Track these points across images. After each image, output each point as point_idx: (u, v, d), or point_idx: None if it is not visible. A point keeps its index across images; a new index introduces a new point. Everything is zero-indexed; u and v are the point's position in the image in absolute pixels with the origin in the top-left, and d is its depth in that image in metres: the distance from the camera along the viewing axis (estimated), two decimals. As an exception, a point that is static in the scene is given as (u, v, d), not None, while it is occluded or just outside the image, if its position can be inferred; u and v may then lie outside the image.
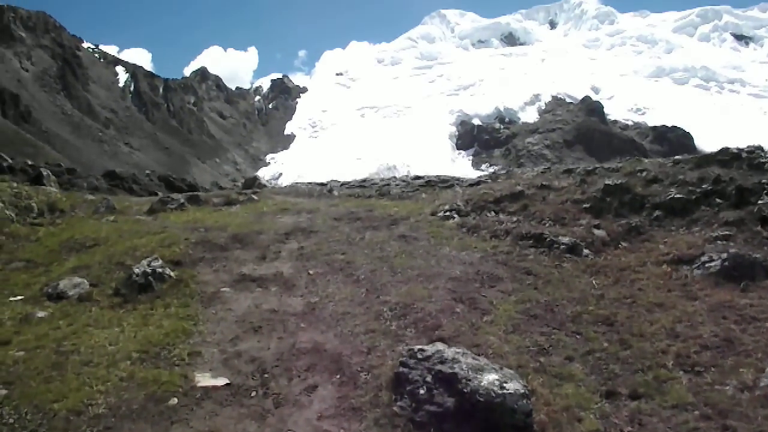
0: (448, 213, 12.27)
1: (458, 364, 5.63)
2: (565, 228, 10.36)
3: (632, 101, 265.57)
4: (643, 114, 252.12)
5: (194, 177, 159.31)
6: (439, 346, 5.94)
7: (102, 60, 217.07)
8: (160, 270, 9.23)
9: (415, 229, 12.01)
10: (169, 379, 6.13)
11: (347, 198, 17.55)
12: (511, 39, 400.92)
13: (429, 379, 5.61)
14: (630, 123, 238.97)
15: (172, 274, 9.39)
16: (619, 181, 11.05)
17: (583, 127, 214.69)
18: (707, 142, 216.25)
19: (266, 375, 6.39)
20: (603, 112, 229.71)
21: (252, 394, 6.04)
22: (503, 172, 16.14)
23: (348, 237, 11.60)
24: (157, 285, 8.95)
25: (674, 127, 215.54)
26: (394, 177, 20.07)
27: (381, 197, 16.31)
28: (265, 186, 25.34)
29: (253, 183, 25.56)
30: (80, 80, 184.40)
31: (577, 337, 7.08)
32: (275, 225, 12.88)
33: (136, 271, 9.04)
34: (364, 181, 20.71)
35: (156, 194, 51.04)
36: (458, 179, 17.21)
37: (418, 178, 18.85)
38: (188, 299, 8.59)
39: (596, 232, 9.96)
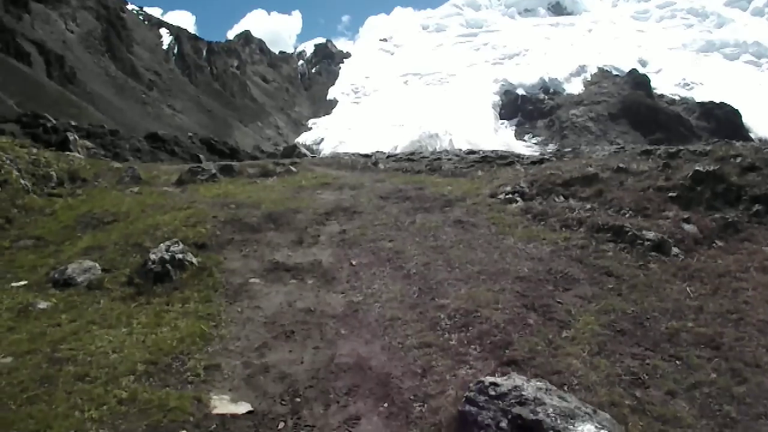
0: (510, 195, 10.67)
1: (543, 408, 4.30)
2: (648, 220, 8.83)
3: (680, 76, 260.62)
4: (691, 89, 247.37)
5: (236, 140, 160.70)
6: (517, 380, 4.61)
7: (146, 22, 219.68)
8: (180, 256, 7.99)
9: (473, 213, 10.48)
10: (179, 403, 4.93)
11: (394, 173, 15.84)
12: (558, 8, 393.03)
13: (504, 425, 4.31)
14: (677, 98, 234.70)
15: (194, 260, 8.16)
16: (711, 167, 9.44)
17: (629, 100, 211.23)
18: (756, 121, 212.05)
19: (298, 399, 5.17)
20: (650, 86, 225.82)
21: (279, 426, 4.84)
22: (567, 150, 14.51)
23: (396, 220, 10.18)
24: (176, 274, 7.75)
25: (722, 104, 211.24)
26: (446, 151, 18.45)
27: (432, 173, 14.62)
28: (305, 155, 23.93)
29: (292, 152, 24.26)
30: (124, 42, 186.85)
31: (677, 363, 5.69)
32: (314, 203, 11.50)
33: (153, 257, 7.82)
34: (412, 154, 18.81)
35: (198, 157, 51.07)
36: (518, 156, 15.21)
37: (472, 152, 16.85)
38: (211, 292, 7.34)
39: (686, 227, 8.46)
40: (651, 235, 8.16)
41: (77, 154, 17.69)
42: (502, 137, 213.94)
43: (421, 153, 18.82)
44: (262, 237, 9.54)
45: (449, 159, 15.93)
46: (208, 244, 9.04)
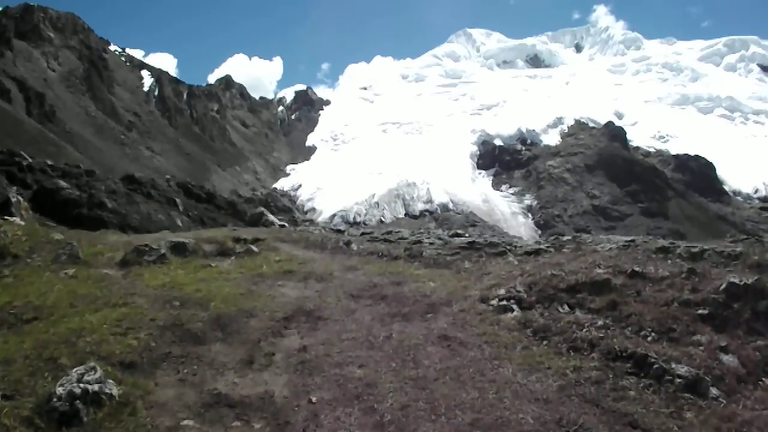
0: (504, 302, 9.04)
1: None
2: (676, 347, 7.16)
3: (655, 128, 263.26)
4: (666, 141, 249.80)
5: (214, 184, 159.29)
6: None
7: (128, 63, 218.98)
8: (96, 388, 6.22)
9: (461, 324, 8.80)
10: None
11: (368, 257, 14.13)
12: (536, 61, 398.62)
13: None
14: (652, 150, 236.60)
15: (115, 391, 6.41)
16: (749, 279, 7.85)
17: (605, 152, 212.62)
18: (730, 173, 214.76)
19: None
20: (626, 138, 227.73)
21: None
22: (567, 238, 12.78)
23: (369, 333, 8.40)
24: (88, 413, 5.95)
25: (697, 156, 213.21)
26: (428, 231, 16.75)
27: (411, 260, 12.84)
28: (272, 223, 22.14)
29: (259, 219, 22.52)
30: (105, 82, 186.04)
31: None
32: (273, 301, 9.73)
33: (59, 390, 6.10)
34: (389, 233, 17.00)
35: (174, 201, 49.79)
36: (510, 244, 13.27)
37: (457, 235, 15.14)
38: (128, 446, 5.60)
39: (724, 358, 6.84)
40: (683, 370, 6.54)
41: (18, 220, 15.82)
42: (479, 187, 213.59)
43: (399, 233, 16.95)
44: (206, 352, 7.84)
45: (431, 243, 14.12)
46: (137, 363, 7.32)
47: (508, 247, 12.55)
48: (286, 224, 22.96)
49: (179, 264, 12.18)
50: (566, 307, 8.71)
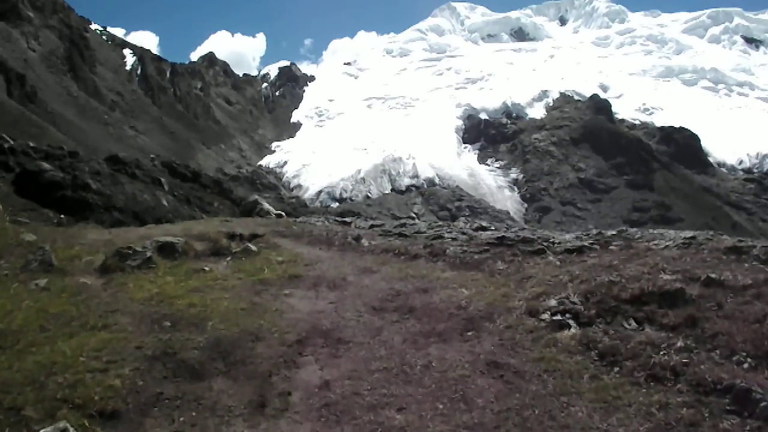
0: (558, 316, 7.63)
1: None
2: None
3: (640, 101, 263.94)
4: (651, 114, 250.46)
5: (199, 163, 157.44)
6: None
7: (109, 42, 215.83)
8: None
9: (511, 346, 7.33)
10: None
11: (383, 255, 12.29)
12: (520, 34, 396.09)
13: None
14: (637, 122, 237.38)
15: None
16: None
17: (591, 125, 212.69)
18: (714, 145, 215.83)
19: None
20: (611, 111, 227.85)
21: None
22: (612, 233, 11.02)
23: (402, 360, 6.83)
24: None
25: (682, 128, 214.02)
26: (448, 224, 14.95)
27: (433, 259, 10.95)
28: (267, 212, 20.22)
29: (253, 208, 20.45)
30: (87, 62, 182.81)
31: None
32: (281, 318, 8.22)
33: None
34: (403, 226, 15.07)
35: (159, 181, 48.57)
36: (547, 240, 11.80)
37: (482, 228, 13.67)
38: None
39: None
40: (800, 410, 5.24)
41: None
42: (465, 161, 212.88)
43: (414, 224, 15.26)
44: (206, 391, 6.34)
45: (454, 238, 12.22)
46: (121, 412, 5.86)
47: (545, 244, 10.95)
48: (283, 214, 21.23)
49: (168, 269, 10.56)
50: (633, 323, 7.28)
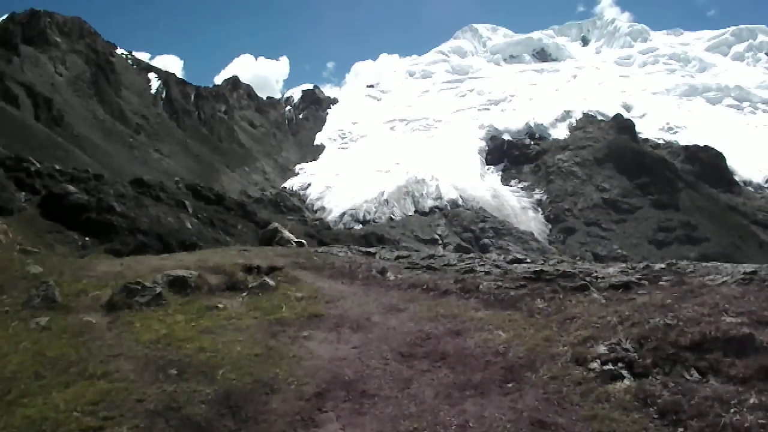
0: (609, 364, 6.61)
1: None
2: None
3: (664, 120, 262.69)
4: (675, 133, 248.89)
5: (223, 185, 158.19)
6: None
7: (135, 66, 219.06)
8: None
9: (558, 401, 6.38)
10: None
11: (411, 291, 11.29)
12: (542, 55, 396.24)
13: None
14: (662, 142, 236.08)
15: None
16: None
17: (614, 145, 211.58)
18: (740, 163, 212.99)
19: None
20: (634, 131, 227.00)
21: None
22: (661, 267, 10.04)
23: (435, 419, 5.87)
24: None
25: (706, 147, 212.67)
26: (480, 257, 13.98)
27: (465, 296, 10.02)
28: (288, 241, 19.42)
29: (272, 237, 19.68)
30: (113, 86, 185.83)
31: None
32: (299, 365, 7.38)
33: None
34: (431, 258, 14.11)
35: (183, 203, 48.59)
36: (588, 273, 10.87)
37: (517, 261, 12.73)
38: None
39: None
40: None
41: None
42: (488, 182, 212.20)
43: (443, 256, 14.34)
44: (214, 455, 5.61)
45: (487, 272, 11.21)
46: (116, 482, 5.13)
47: (588, 279, 10.01)
48: (305, 243, 20.44)
49: (179, 306, 9.80)
50: (695, 374, 6.36)
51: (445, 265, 12.51)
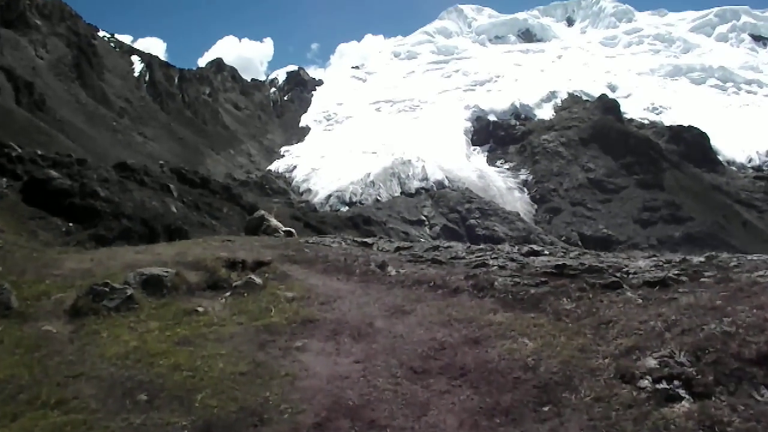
0: (663, 382, 5.41)
1: None
2: None
3: (649, 100, 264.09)
4: (660, 113, 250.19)
5: (208, 168, 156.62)
6: None
7: (117, 49, 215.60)
8: None
9: (606, 429, 5.23)
10: None
11: (416, 289, 9.98)
12: (528, 35, 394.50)
13: None
14: (646, 122, 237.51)
15: None
16: None
17: (599, 125, 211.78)
18: (724, 143, 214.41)
19: None
20: (619, 111, 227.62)
21: None
22: (700, 260, 8.87)
23: None
24: None
25: (690, 127, 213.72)
26: (491, 247, 12.55)
27: (479, 294, 9.10)
28: (275, 230, 18.03)
29: (258, 225, 18.20)
30: (95, 69, 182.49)
31: None
32: (293, 386, 6.27)
33: None
34: (436, 249, 12.82)
35: (168, 187, 47.73)
36: (618, 268, 9.64)
37: (534, 253, 11.44)
38: None
39: None
40: None
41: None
42: (474, 163, 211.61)
43: (449, 247, 12.93)
44: None
45: (501, 267, 10.14)
46: None
47: (618, 275, 8.77)
48: (293, 231, 19.12)
49: (152, 310, 8.51)
50: (764, 392, 5.29)
51: (453, 258, 11.21)
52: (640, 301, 7.80)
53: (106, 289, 8.71)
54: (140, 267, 10.44)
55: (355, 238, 15.40)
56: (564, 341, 6.90)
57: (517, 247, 12.28)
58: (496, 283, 9.18)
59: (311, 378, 6.43)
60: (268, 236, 16.97)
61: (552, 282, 8.96)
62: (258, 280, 9.97)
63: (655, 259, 10.22)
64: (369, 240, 14.95)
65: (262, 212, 19.68)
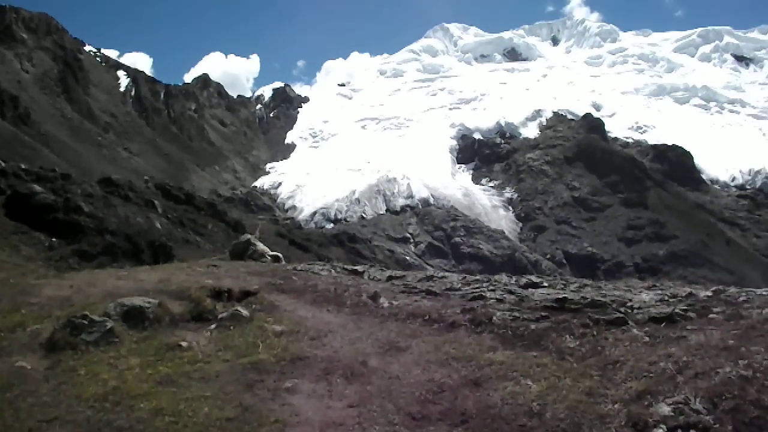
0: None
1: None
2: None
3: (633, 119, 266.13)
4: (644, 132, 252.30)
5: (193, 184, 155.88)
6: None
7: (103, 64, 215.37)
8: None
9: None
10: None
11: (410, 323, 9.54)
12: (513, 54, 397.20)
13: None
14: (631, 141, 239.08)
15: None
16: None
17: (584, 143, 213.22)
18: (707, 162, 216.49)
19: None
20: (604, 130, 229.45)
21: None
22: (707, 295, 8.49)
23: None
24: None
25: (674, 146, 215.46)
26: (487, 278, 12.00)
27: (476, 330, 8.70)
28: (262, 255, 17.51)
29: (245, 249, 17.62)
30: (81, 84, 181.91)
31: None
32: None
33: None
34: (430, 279, 12.43)
35: (153, 203, 47.30)
36: (623, 302, 9.24)
37: (533, 285, 11.06)
38: None
39: None
40: None
41: None
42: (459, 181, 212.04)
43: (443, 278, 12.45)
44: None
45: (499, 299, 9.90)
46: None
47: (622, 310, 8.39)
48: (281, 256, 18.58)
49: (134, 344, 8.02)
50: None
51: (447, 289, 10.77)
52: (647, 339, 7.43)
53: (85, 322, 8.21)
54: (121, 295, 9.98)
55: (345, 266, 14.86)
56: (570, 384, 6.49)
57: (515, 278, 11.81)
58: (494, 318, 8.77)
59: (303, 425, 5.95)
60: (254, 261, 16.49)
61: (553, 317, 8.57)
62: (244, 312, 9.51)
63: (659, 292, 9.88)
64: (359, 268, 14.41)
65: (249, 236, 19.10)
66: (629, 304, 9.01)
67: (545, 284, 11.11)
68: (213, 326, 9.12)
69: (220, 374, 7.27)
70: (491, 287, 10.80)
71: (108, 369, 7.34)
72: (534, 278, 11.55)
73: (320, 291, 11.54)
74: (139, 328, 8.77)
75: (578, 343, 7.68)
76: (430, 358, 7.74)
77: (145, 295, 10.05)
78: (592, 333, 7.95)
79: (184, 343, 8.23)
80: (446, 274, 12.50)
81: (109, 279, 11.97)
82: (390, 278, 12.60)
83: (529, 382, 6.67)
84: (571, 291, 10.19)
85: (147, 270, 13.40)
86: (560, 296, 9.38)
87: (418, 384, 6.93)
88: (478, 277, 11.72)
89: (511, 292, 10.31)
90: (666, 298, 9.31)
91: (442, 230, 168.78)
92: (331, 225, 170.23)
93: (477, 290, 10.63)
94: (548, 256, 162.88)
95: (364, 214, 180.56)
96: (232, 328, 9.09)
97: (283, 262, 17.08)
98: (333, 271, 13.71)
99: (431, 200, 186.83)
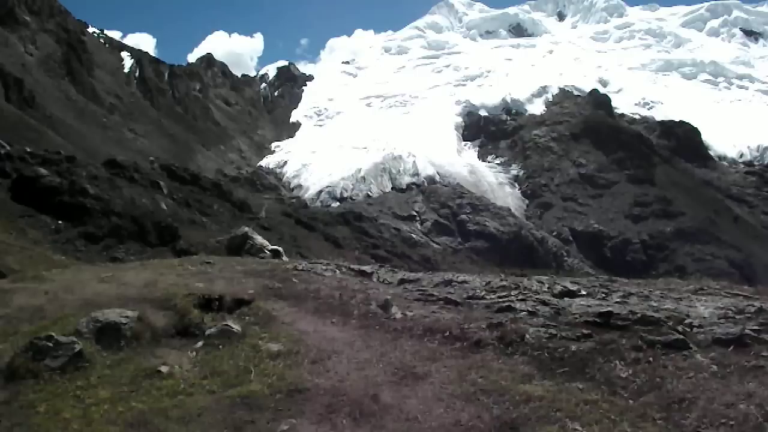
0: None
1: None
2: None
3: (640, 95, 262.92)
4: (651, 108, 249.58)
5: (198, 164, 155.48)
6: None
7: (107, 45, 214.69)
8: None
9: None
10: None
11: (427, 342, 8.22)
12: (519, 30, 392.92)
13: None
14: (637, 117, 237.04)
15: None
16: None
17: (591, 120, 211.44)
18: (715, 138, 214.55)
19: None
20: (610, 106, 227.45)
21: None
22: (753, 307, 7.36)
23: None
24: None
25: (682, 122, 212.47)
26: (516, 285, 10.40)
27: (506, 351, 7.55)
28: (260, 249, 16.28)
29: (241, 245, 16.31)
30: (85, 65, 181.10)
31: None
32: None
33: None
34: (449, 284, 10.88)
35: (158, 184, 46.73)
36: (680, 319, 7.89)
37: (569, 293, 9.59)
38: None
39: None
40: None
41: None
42: (465, 158, 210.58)
43: (464, 282, 11.03)
44: None
45: (532, 312, 8.68)
46: None
47: (679, 329, 7.10)
48: (281, 250, 17.33)
49: (106, 369, 6.82)
50: None
51: (469, 297, 9.34)
52: (715, 368, 6.18)
53: (50, 344, 7.05)
54: (100, 303, 8.92)
55: (352, 266, 13.36)
56: (628, 430, 5.33)
57: (547, 284, 10.35)
58: (527, 336, 7.47)
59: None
60: (252, 257, 15.28)
61: (597, 336, 7.30)
62: (236, 328, 8.31)
63: (721, 301, 8.52)
64: (368, 269, 12.87)
65: (246, 229, 17.87)
66: (687, 321, 7.72)
67: (583, 292, 9.66)
68: (199, 344, 7.99)
69: (204, 412, 6.13)
70: (520, 296, 9.44)
71: (72, 404, 6.23)
72: (570, 284, 10.05)
73: (323, 298, 10.28)
74: (114, 349, 7.68)
75: (631, 372, 6.47)
76: (454, 390, 6.55)
77: (127, 303, 9.02)
78: (647, 359, 6.73)
79: (164, 368, 7.11)
80: (466, 277, 11.02)
81: (90, 282, 10.78)
82: (402, 281, 11.30)
83: (578, 426, 5.49)
84: (616, 302, 8.88)
85: (133, 271, 12.11)
86: (604, 309, 8.10)
87: (441, 428, 5.76)
88: (504, 283, 10.22)
89: (544, 303, 8.96)
90: (730, 313, 7.97)
91: (448, 208, 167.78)
92: (337, 203, 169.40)
93: (504, 299, 9.29)
94: (554, 233, 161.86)
95: (369, 193, 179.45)
96: (221, 347, 7.96)
97: (284, 258, 15.90)
98: (338, 271, 12.41)
99: (437, 178, 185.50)
